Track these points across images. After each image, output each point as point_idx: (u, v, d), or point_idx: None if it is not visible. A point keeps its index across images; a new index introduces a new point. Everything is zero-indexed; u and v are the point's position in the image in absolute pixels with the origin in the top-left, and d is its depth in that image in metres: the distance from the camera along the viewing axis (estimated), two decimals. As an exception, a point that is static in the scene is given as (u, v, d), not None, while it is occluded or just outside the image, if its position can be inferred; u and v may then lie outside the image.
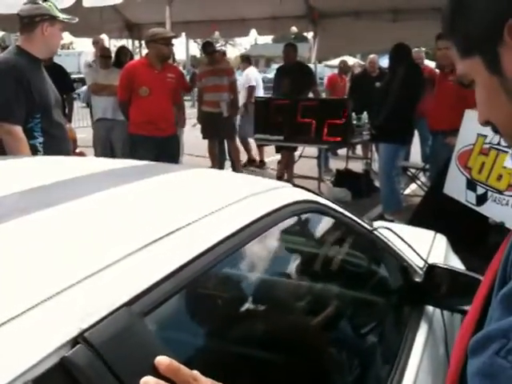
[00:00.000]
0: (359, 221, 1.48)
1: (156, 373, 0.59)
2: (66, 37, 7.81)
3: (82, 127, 7.32)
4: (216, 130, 6.81)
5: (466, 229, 3.49)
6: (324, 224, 1.36)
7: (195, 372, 0.61)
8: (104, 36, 7.92)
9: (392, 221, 4.41)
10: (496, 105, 0.62)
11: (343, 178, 6.40)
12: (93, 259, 0.69)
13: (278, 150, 6.67)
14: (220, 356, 0.89)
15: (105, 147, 5.81)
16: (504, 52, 0.58)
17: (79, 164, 1.38)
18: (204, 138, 7.01)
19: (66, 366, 0.53)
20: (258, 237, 0.98)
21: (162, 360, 0.59)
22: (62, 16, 2.88)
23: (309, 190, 1.34)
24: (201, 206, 0.95)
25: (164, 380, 0.59)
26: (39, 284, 0.61)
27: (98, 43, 6.86)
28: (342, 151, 7.88)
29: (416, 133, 6.10)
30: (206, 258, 0.80)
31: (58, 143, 2.86)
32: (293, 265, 1.23)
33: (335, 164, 7.58)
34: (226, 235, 0.87)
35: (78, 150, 5.16)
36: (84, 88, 12.83)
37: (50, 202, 0.85)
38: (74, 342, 0.55)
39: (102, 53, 6.24)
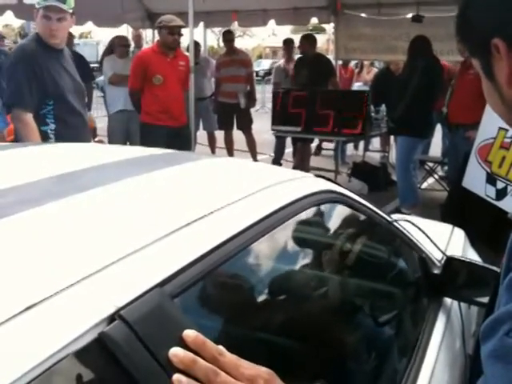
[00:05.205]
0: (379, 212, 1.49)
1: (184, 347, 0.61)
2: (86, 26, 7.85)
3: (101, 116, 7.37)
4: (232, 120, 6.81)
5: (486, 224, 3.47)
6: (345, 214, 1.38)
7: (220, 347, 0.64)
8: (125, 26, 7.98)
9: (409, 214, 4.39)
10: (492, 102, 0.70)
11: (360, 171, 6.36)
12: (127, 242, 0.72)
13: (295, 141, 6.65)
14: (245, 339, 0.91)
15: (123, 138, 5.79)
16: (494, 61, 0.65)
17: (107, 151, 1.40)
18: (220, 128, 7.01)
19: (104, 341, 0.57)
20: (281, 225, 1.00)
21: (189, 333, 0.62)
22: (40, 3, 2.76)
23: (330, 181, 1.35)
24: (226, 194, 0.98)
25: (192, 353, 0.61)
26: (79, 264, 0.64)
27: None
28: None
29: (439, 126, 6.03)
30: (229, 246, 0.82)
31: (75, 131, 2.84)
32: (314, 254, 1.25)
33: (351, 157, 7.54)
34: (251, 223, 0.89)
35: (97, 139, 5.20)
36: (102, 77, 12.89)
37: (80, 187, 0.88)
38: (111, 318, 0.59)
39: (120, 42, 6.09)
